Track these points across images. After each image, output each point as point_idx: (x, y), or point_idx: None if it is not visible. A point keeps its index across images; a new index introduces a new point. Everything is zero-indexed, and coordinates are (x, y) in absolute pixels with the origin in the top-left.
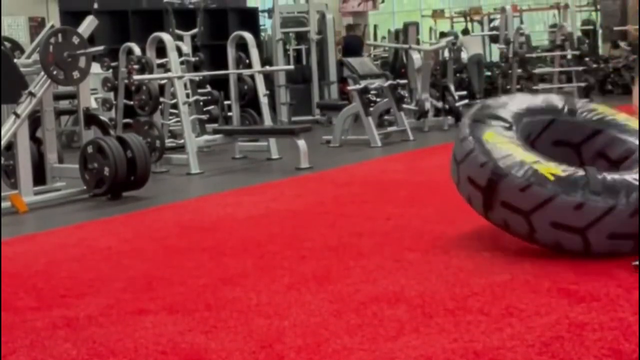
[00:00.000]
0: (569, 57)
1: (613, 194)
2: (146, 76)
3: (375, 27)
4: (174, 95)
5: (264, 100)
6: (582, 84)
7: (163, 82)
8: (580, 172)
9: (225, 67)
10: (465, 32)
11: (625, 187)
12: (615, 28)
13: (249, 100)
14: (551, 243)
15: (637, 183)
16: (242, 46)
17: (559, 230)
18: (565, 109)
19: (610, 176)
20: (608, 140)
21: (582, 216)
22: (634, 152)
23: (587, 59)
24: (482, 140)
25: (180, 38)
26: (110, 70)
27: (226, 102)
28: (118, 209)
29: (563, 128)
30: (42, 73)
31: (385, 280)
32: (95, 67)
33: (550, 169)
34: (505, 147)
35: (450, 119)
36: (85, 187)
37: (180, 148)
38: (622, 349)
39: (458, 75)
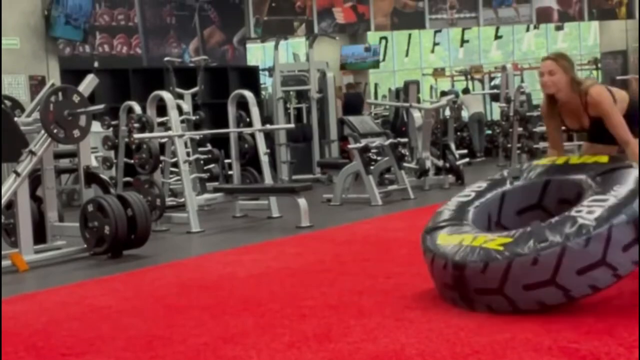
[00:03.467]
0: None
1: (560, 235)
2: (147, 135)
3: (376, 85)
4: (174, 154)
5: (264, 159)
6: (582, 143)
7: (163, 140)
8: (527, 229)
9: (226, 126)
10: (466, 90)
11: (570, 222)
12: (618, 77)
13: (250, 159)
14: (536, 305)
15: (578, 214)
16: (242, 104)
17: (533, 290)
18: (508, 179)
19: (554, 219)
20: (558, 186)
21: (543, 268)
22: (581, 185)
23: None
24: (437, 245)
25: (180, 96)
26: (111, 129)
27: (227, 161)
28: (118, 267)
29: (516, 196)
30: (43, 131)
31: (386, 338)
32: (96, 126)
33: (498, 240)
34: (456, 241)
35: (451, 178)
36: (85, 246)
37: (181, 206)
38: None
39: (459, 133)
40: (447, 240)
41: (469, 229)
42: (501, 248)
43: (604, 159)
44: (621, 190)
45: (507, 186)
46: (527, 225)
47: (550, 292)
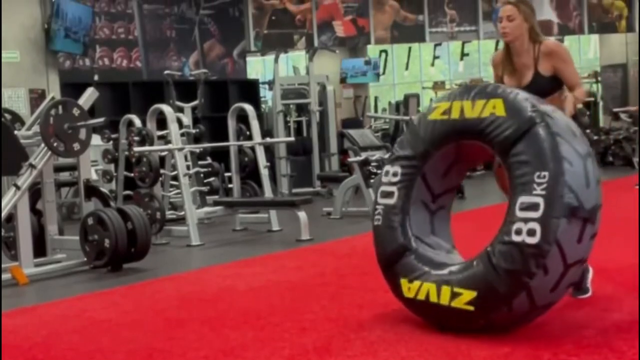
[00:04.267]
0: None
1: (518, 280)
2: (147, 148)
3: (376, 98)
4: (174, 167)
5: (264, 172)
6: None
7: (163, 153)
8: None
9: (226, 139)
10: None
11: (519, 256)
12: (615, 110)
13: (250, 172)
14: None
15: (521, 240)
16: (242, 118)
17: None
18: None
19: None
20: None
21: (518, 311)
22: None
23: (587, 130)
24: (405, 297)
25: (180, 110)
26: (111, 142)
27: (227, 174)
28: (118, 280)
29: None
30: (43, 145)
31: (386, 352)
32: (96, 139)
33: (465, 295)
34: (422, 295)
35: None
36: (85, 259)
37: (181, 220)
38: None
39: None
40: (412, 292)
41: (427, 267)
42: (471, 308)
43: (500, 108)
44: (545, 176)
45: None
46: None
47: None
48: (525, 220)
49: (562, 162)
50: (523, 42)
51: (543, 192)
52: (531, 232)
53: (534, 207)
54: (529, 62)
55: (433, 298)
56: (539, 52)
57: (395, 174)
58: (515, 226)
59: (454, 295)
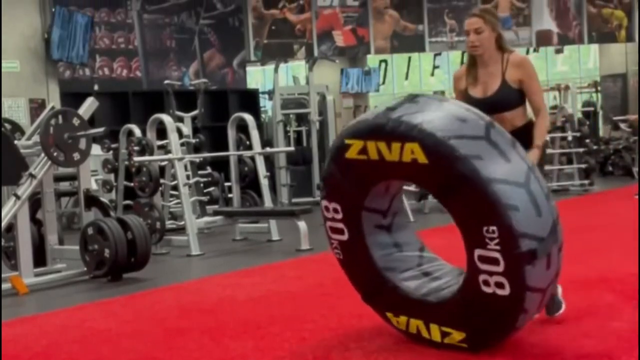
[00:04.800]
0: (570, 138)
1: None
2: (146, 158)
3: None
4: (174, 177)
5: (264, 182)
6: (583, 166)
7: (163, 163)
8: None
9: (226, 149)
10: None
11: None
12: (615, 118)
13: (250, 182)
14: None
15: (491, 291)
16: (242, 128)
17: None
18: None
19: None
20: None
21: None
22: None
23: (587, 140)
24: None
25: (180, 119)
26: (111, 152)
27: (227, 184)
28: (118, 290)
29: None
30: (43, 154)
31: None
32: (96, 149)
33: (455, 335)
34: (413, 328)
35: None
36: (85, 269)
37: (181, 230)
38: None
39: None
40: (401, 325)
41: (408, 303)
42: (464, 345)
43: (420, 154)
44: (494, 230)
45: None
46: None
47: None
48: (490, 273)
49: (507, 211)
50: (491, 53)
51: (498, 247)
52: (499, 285)
53: (493, 261)
54: (496, 72)
55: (424, 334)
56: (507, 62)
57: (336, 210)
58: (481, 278)
59: (445, 334)
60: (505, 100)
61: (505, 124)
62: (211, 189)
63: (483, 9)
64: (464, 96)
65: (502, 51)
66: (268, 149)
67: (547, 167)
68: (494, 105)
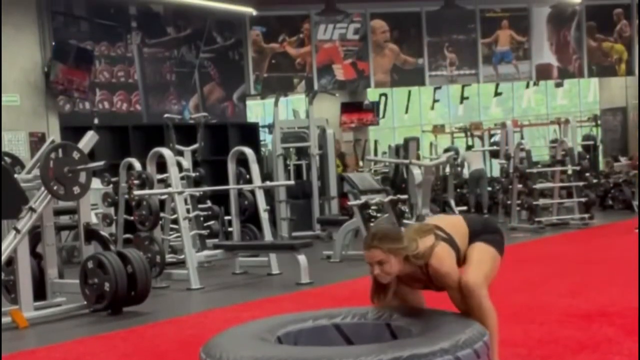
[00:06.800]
0: (570, 172)
1: None
2: (146, 191)
3: (375, 142)
4: (174, 211)
5: (264, 216)
6: (583, 199)
7: (163, 197)
8: None
9: (226, 183)
10: (469, 147)
11: None
12: (617, 163)
13: (250, 216)
14: None
15: None
16: (242, 161)
17: None
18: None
19: None
20: None
21: None
22: None
23: (587, 174)
24: None
25: (180, 153)
26: (111, 186)
27: (227, 217)
28: (118, 324)
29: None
30: (43, 188)
31: None
32: (96, 183)
33: None
34: None
35: None
36: (85, 303)
37: (181, 263)
38: None
39: (458, 190)
40: None
41: None
42: None
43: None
44: None
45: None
46: None
47: None
48: None
49: None
50: (405, 271)
51: None
52: None
53: None
54: (423, 277)
55: None
56: (427, 271)
57: None
58: None
59: None
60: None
61: None
62: (211, 222)
63: (379, 236)
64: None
65: (416, 264)
66: (268, 183)
67: (547, 201)
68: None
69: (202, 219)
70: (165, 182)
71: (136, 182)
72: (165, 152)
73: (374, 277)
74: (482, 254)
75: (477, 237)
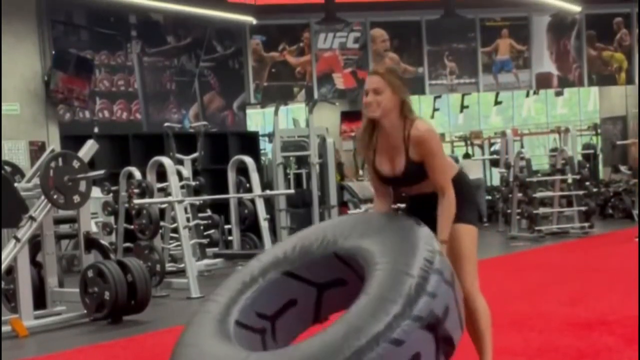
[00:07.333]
0: (570, 181)
1: None
2: (146, 200)
3: None
4: (174, 220)
5: (264, 225)
6: (583, 208)
7: (163, 206)
8: None
9: (226, 191)
10: (467, 155)
11: None
12: (618, 142)
13: (250, 225)
14: None
15: None
16: (242, 170)
17: None
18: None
19: None
20: None
21: None
22: None
23: (587, 183)
24: None
25: (180, 162)
26: (111, 195)
27: (227, 226)
28: (118, 333)
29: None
30: (43, 197)
31: None
32: (96, 191)
33: None
34: None
35: None
36: (85, 311)
37: (181, 272)
38: None
39: None
40: None
41: None
42: None
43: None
44: None
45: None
46: None
47: None
48: None
49: None
50: (392, 120)
51: None
52: None
53: None
54: (399, 145)
55: None
56: (409, 137)
57: None
58: None
59: None
60: (414, 178)
61: (419, 190)
62: (211, 231)
63: (387, 67)
64: (373, 168)
65: (404, 120)
66: (268, 192)
67: (547, 210)
68: (403, 183)
69: (202, 227)
70: (165, 191)
71: (136, 191)
72: (165, 160)
73: (363, 118)
74: (471, 244)
75: (460, 207)
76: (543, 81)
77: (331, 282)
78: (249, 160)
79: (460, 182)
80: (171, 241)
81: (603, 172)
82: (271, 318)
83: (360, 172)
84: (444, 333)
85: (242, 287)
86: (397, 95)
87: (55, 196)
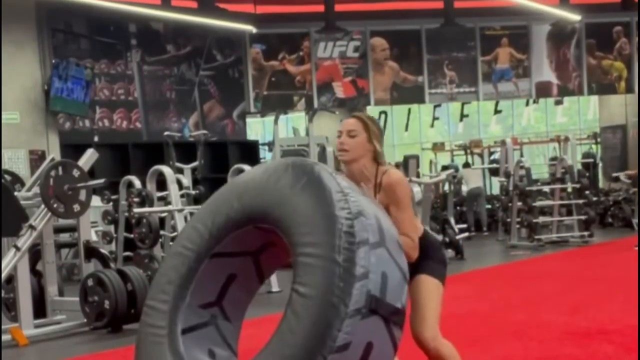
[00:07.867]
0: (570, 190)
1: None
2: (146, 209)
3: None
4: (174, 228)
5: None
6: (583, 217)
7: (163, 215)
8: None
9: None
10: (466, 164)
11: None
12: (615, 174)
13: None
14: None
15: None
16: None
17: None
18: None
19: None
20: None
21: None
22: None
23: (587, 191)
24: None
25: (180, 171)
26: (111, 203)
27: None
28: (118, 341)
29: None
30: (43, 206)
31: None
32: (96, 200)
33: None
34: None
35: (450, 252)
36: (85, 320)
37: None
38: None
39: (458, 208)
40: None
41: None
42: None
43: None
44: None
45: None
46: None
47: None
48: None
49: None
50: (361, 165)
51: None
52: None
53: None
54: (368, 189)
55: None
56: (381, 180)
57: None
58: None
59: None
60: None
61: None
62: None
63: (367, 115)
64: None
65: (377, 167)
66: None
67: (546, 219)
68: None
69: None
70: (165, 200)
71: (136, 199)
72: (165, 169)
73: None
74: (433, 294)
75: (424, 260)
76: (543, 90)
77: (261, 247)
78: (248, 169)
79: (427, 242)
80: None
81: (603, 181)
82: (217, 302)
83: None
84: (388, 308)
85: (179, 290)
86: (370, 141)
87: (55, 205)
